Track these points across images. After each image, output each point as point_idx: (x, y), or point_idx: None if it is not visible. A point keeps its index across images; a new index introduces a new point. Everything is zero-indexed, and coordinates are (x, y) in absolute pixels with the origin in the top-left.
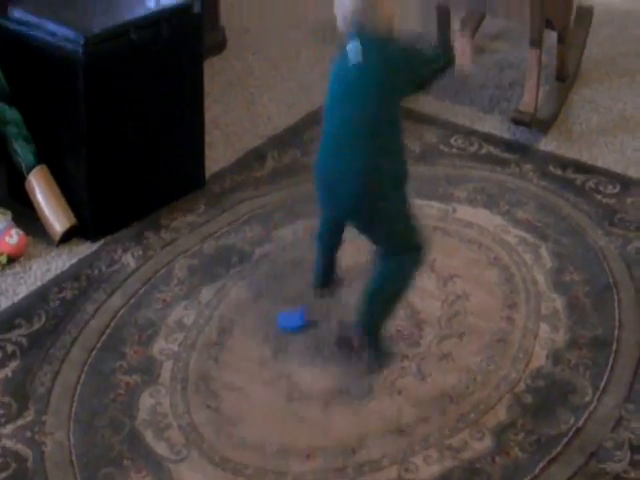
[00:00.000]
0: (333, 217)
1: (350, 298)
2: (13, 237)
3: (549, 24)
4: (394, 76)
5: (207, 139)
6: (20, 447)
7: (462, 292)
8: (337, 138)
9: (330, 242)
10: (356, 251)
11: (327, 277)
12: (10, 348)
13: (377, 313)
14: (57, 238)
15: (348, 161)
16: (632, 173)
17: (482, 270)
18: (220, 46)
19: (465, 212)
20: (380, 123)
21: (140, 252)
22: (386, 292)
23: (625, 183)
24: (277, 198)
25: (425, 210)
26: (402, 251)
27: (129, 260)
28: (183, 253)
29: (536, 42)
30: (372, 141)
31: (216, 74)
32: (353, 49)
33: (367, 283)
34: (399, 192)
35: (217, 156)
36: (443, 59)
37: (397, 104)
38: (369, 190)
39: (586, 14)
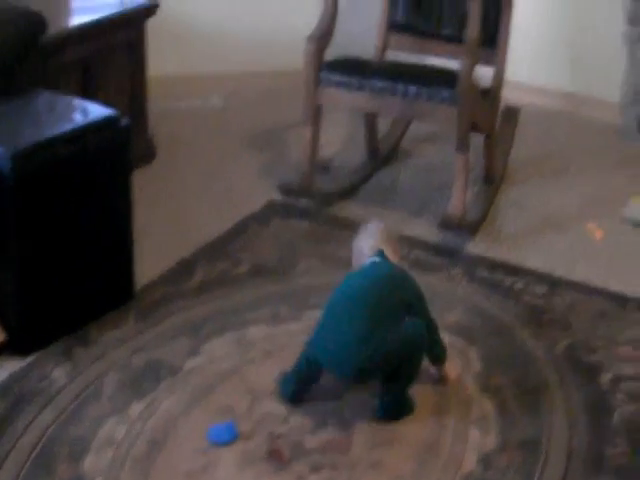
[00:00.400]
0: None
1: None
2: None
3: (476, 128)
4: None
5: (137, 250)
6: None
7: None
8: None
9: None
10: None
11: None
12: None
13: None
14: None
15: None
16: (560, 273)
17: None
18: (149, 155)
19: None
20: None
21: (70, 367)
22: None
23: (553, 283)
24: (206, 310)
25: None
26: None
27: (59, 375)
28: (113, 367)
29: (463, 147)
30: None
31: (145, 184)
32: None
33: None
34: None
35: (147, 267)
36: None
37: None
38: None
39: (512, 115)
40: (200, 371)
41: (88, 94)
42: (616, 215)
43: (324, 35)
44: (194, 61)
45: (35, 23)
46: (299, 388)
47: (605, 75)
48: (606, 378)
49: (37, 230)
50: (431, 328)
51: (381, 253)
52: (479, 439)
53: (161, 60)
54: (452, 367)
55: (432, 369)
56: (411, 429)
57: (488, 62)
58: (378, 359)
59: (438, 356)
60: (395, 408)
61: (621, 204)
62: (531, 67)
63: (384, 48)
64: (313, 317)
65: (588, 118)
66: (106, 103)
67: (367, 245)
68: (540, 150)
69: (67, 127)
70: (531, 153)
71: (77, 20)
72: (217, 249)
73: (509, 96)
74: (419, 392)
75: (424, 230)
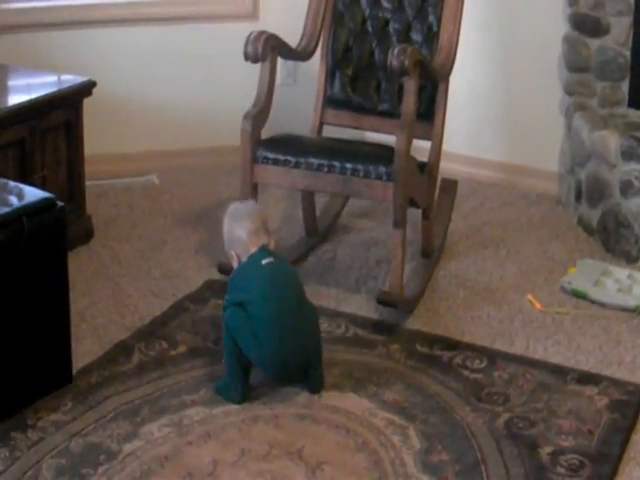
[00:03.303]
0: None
1: None
2: None
3: (413, 203)
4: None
5: (74, 332)
6: None
7: None
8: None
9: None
10: None
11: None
12: None
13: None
14: None
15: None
16: (498, 346)
17: (351, 456)
18: (87, 235)
19: (332, 397)
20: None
21: (7, 453)
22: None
23: (492, 356)
24: (144, 392)
25: (291, 397)
26: None
27: None
28: (50, 453)
29: (400, 223)
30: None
31: (83, 264)
32: (267, 258)
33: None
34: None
35: (84, 350)
36: None
37: None
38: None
39: (450, 188)
40: (139, 455)
41: (25, 174)
42: (555, 286)
43: (260, 112)
44: (131, 139)
45: None
46: (244, 388)
47: (542, 145)
48: (546, 452)
49: None
50: None
51: (265, 249)
52: None
53: (98, 138)
54: None
55: None
56: None
57: (425, 136)
58: (311, 355)
59: None
60: (321, 380)
61: (560, 274)
62: (468, 138)
63: (321, 124)
64: (253, 397)
65: (526, 188)
66: (43, 183)
67: (247, 233)
68: (478, 221)
69: (2, 211)
70: (469, 225)
71: (13, 100)
72: (155, 331)
73: (446, 167)
74: (355, 469)
75: (362, 306)
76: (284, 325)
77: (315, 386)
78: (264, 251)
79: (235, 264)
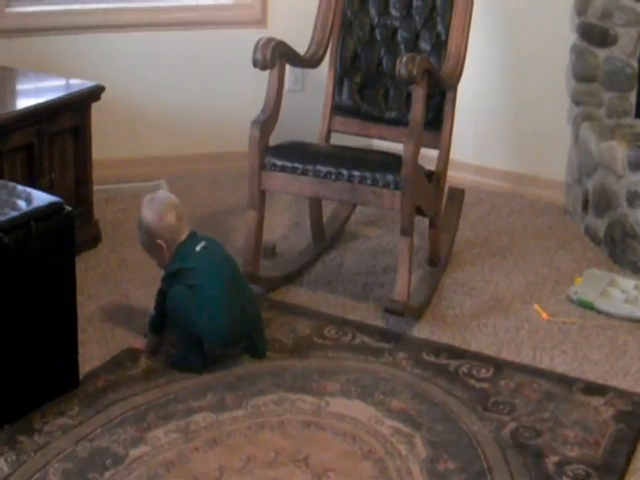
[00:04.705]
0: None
1: None
2: None
3: (420, 211)
4: None
5: (81, 337)
6: None
7: None
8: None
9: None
10: None
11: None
12: None
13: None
14: None
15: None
16: (505, 355)
17: (356, 464)
18: (95, 240)
19: (339, 405)
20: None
21: (13, 457)
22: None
23: (498, 365)
24: (150, 398)
25: (298, 405)
26: None
27: (2, 465)
28: (57, 457)
29: (407, 231)
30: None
31: (90, 268)
32: (199, 241)
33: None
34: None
35: (91, 354)
36: None
37: None
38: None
39: (457, 196)
40: (145, 460)
41: (33, 178)
42: (561, 295)
43: (269, 119)
44: (139, 144)
45: None
46: (202, 356)
47: (549, 154)
48: (552, 462)
49: None
50: None
51: (193, 234)
52: None
53: (106, 143)
54: None
55: None
56: None
57: (433, 145)
58: (254, 320)
59: None
60: (264, 345)
61: (566, 284)
62: (475, 147)
63: (329, 131)
64: (259, 403)
65: (533, 197)
66: (51, 187)
67: (175, 218)
68: (485, 230)
69: (10, 215)
70: (476, 233)
71: (22, 104)
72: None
73: (453, 176)
74: (361, 477)
75: (369, 314)
76: (231, 298)
77: (261, 351)
78: (194, 237)
79: (164, 254)
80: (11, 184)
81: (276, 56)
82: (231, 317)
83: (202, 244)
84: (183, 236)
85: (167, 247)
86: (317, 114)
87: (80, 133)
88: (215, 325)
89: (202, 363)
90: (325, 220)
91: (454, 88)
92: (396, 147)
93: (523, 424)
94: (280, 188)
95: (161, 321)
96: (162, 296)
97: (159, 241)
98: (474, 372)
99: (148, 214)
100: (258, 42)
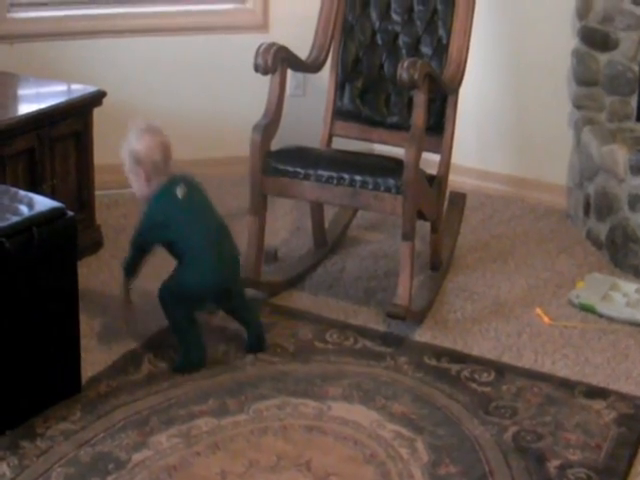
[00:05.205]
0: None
1: None
2: None
3: (422, 216)
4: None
5: (83, 342)
6: None
7: None
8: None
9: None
10: None
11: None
12: None
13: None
14: None
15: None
16: (506, 359)
17: (358, 468)
18: (96, 245)
19: (341, 409)
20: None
21: (16, 462)
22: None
23: (500, 370)
24: (153, 402)
25: (300, 409)
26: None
27: (5, 470)
28: (59, 462)
29: (408, 236)
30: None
31: (92, 273)
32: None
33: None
34: None
35: (93, 359)
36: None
37: None
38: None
39: (459, 200)
40: (147, 465)
41: (35, 184)
42: (563, 299)
43: (270, 124)
44: None
45: None
46: (202, 349)
47: (551, 158)
48: (554, 465)
49: None
50: None
51: (175, 179)
52: None
53: (108, 148)
54: None
55: None
56: None
57: (434, 149)
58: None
59: None
60: (261, 339)
61: (568, 288)
62: (477, 151)
63: (331, 135)
64: (261, 408)
65: (534, 201)
66: (53, 192)
67: (159, 158)
68: (487, 235)
69: (12, 220)
70: (478, 238)
71: (24, 109)
72: (164, 341)
73: (455, 180)
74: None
75: (371, 319)
76: (218, 244)
77: (262, 342)
78: (176, 181)
79: (143, 183)
80: (13, 189)
81: (277, 61)
82: (220, 261)
83: (182, 190)
84: (164, 178)
85: (147, 178)
86: (318, 119)
87: (82, 138)
88: (204, 275)
89: (202, 355)
90: (327, 225)
91: (455, 92)
92: (397, 152)
93: (525, 428)
94: (282, 193)
95: (134, 264)
96: (139, 242)
97: (140, 170)
98: (476, 376)
99: (137, 144)
100: (259, 47)
